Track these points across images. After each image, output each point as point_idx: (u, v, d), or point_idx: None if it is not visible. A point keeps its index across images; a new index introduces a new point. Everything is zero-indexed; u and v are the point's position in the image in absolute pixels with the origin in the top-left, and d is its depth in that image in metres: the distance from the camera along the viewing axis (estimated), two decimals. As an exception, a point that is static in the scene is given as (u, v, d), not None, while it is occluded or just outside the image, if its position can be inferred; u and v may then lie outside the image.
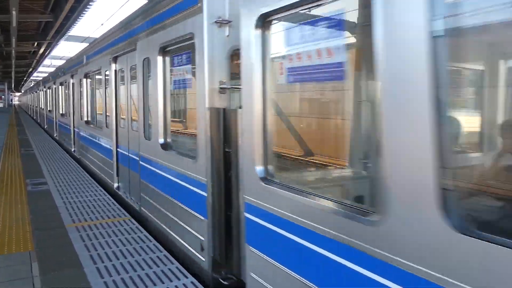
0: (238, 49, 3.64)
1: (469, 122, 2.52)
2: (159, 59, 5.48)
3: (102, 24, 23.23)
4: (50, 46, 24.26)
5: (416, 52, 2.03)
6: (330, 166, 3.88)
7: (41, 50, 25.42)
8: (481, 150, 2.60)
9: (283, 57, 3.36)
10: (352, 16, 2.89)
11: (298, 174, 4.06)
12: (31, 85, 51.48)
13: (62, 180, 9.14)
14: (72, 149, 13.65)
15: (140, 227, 5.84)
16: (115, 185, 8.19)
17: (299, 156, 4.10)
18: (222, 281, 4.18)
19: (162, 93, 5.53)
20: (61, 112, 16.51)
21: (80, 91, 11.84)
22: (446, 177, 1.97)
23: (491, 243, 1.79)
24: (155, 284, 4.10)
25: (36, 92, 32.53)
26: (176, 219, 5.20)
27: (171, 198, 5.36)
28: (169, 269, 4.43)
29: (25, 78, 51.93)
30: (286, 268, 3.08)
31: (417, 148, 2.06)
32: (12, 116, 38.59)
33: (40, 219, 6.24)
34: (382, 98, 2.23)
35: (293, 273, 3.01)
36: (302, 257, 2.91)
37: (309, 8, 2.94)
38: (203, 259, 4.48)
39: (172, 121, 5.73)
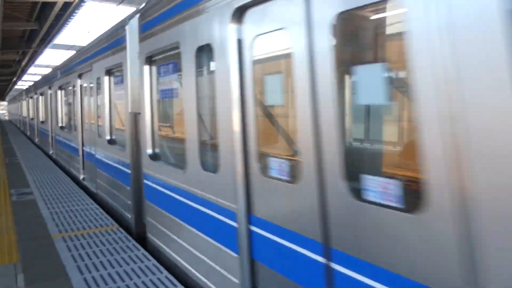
0: None
1: None
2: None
3: (88, 32, 23.03)
4: (36, 55, 23.95)
5: None
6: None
7: (26, 59, 25.08)
8: None
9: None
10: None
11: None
12: (14, 96, 54.26)
13: (48, 189, 9.00)
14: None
15: (128, 236, 5.77)
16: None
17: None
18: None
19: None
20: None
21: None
22: None
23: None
24: (144, 294, 4.04)
25: (15, 103, 43.23)
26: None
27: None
28: (158, 279, 4.38)
29: (14, 81, 51.19)
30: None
31: None
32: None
33: (26, 229, 6.12)
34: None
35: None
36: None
37: None
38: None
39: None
